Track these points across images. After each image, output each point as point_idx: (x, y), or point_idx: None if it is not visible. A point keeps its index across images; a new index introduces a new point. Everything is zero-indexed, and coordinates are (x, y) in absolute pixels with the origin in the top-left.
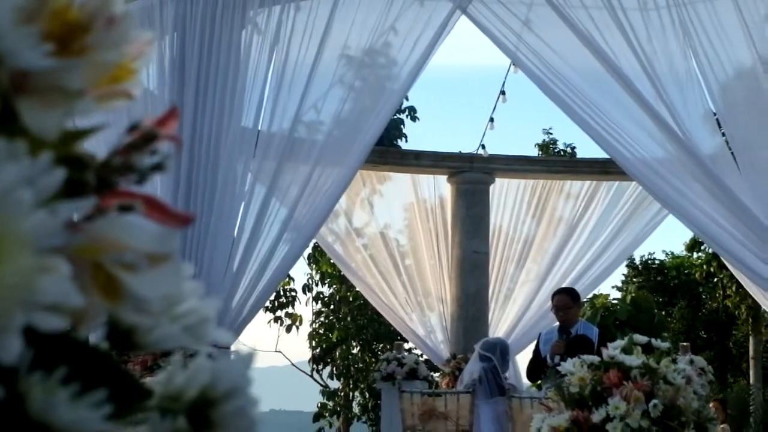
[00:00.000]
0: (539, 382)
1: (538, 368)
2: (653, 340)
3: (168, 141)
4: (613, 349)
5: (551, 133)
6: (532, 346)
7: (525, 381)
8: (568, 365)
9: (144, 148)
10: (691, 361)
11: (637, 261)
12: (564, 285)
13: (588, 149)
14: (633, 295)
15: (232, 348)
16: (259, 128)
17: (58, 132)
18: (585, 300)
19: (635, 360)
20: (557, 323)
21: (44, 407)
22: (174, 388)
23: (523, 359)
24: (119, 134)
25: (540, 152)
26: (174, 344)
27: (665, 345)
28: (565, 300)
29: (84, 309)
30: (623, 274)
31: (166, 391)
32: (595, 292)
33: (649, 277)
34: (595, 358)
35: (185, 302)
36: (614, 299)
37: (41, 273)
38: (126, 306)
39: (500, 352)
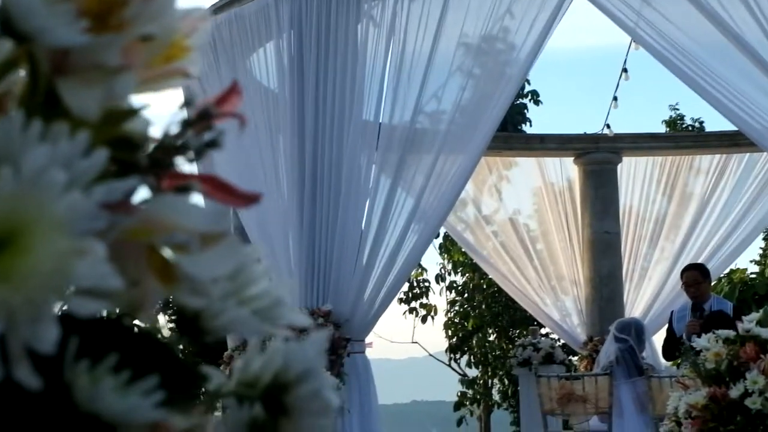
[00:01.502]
0: (677, 360)
1: (673, 346)
2: None
3: (229, 118)
4: (748, 323)
5: (678, 109)
6: (666, 327)
7: (662, 361)
8: (703, 341)
9: (199, 126)
10: None
11: None
12: (699, 261)
13: (716, 123)
14: None
15: (366, 340)
16: (381, 121)
17: (101, 112)
18: (722, 275)
19: None
20: (689, 300)
21: (92, 396)
22: (250, 374)
23: (659, 339)
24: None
25: (667, 129)
26: (245, 328)
27: None
28: (696, 276)
29: (141, 292)
30: (760, 248)
31: (243, 377)
32: (732, 267)
33: None
34: (731, 333)
35: (255, 284)
36: (752, 273)
37: (76, 257)
38: (182, 289)
39: (635, 332)
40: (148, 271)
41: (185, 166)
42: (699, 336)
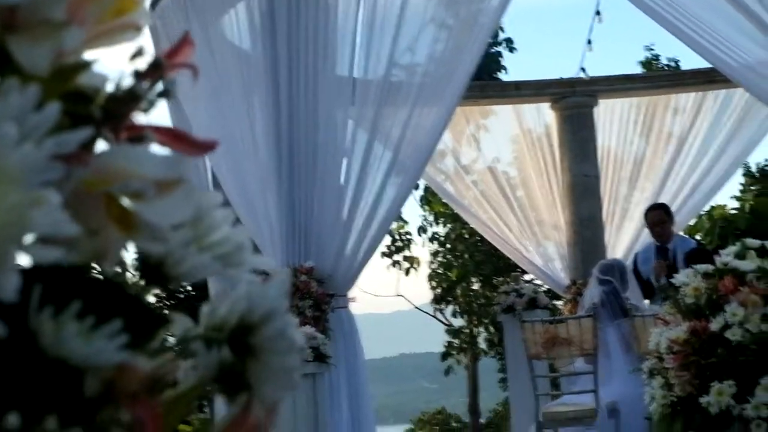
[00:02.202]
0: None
1: (640, 288)
2: (767, 243)
3: (181, 68)
4: (726, 256)
5: (653, 49)
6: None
7: (646, 300)
8: (682, 277)
9: (150, 77)
10: None
11: (754, 168)
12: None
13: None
14: (752, 203)
15: (349, 294)
16: (355, 75)
17: (52, 67)
18: (703, 212)
19: (749, 264)
20: (652, 241)
21: (57, 342)
22: (217, 318)
23: None
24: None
25: (643, 69)
26: (207, 274)
27: None
28: (660, 215)
29: (103, 241)
30: (740, 183)
31: (210, 322)
32: (712, 203)
33: (767, 183)
34: (709, 267)
35: (217, 231)
36: (732, 209)
37: (31, 207)
38: (142, 236)
39: (619, 272)
40: (108, 220)
41: (141, 117)
42: (668, 278)
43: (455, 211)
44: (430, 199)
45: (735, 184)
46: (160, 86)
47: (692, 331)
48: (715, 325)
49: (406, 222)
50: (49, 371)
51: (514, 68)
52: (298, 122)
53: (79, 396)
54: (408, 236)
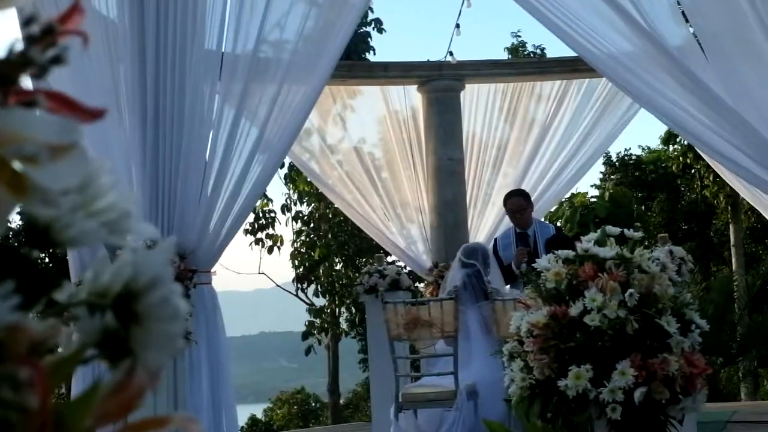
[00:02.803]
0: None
1: (502, 274)
2: (626, 231)
3: (72, 35)
4: (587, 242)
5: (520, 36)
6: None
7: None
8: (543, 262)
9: (43, 42)
10: (671, 252)
11: (614, 158)
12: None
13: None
14: (611, 191)
15: (212, 270)
16: (223, 50)
17: None
18: (564, 199)
19: (609, 251)
20: (511, 226)
21: None
22: (101, 284)
23: None
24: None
25: (510, 55)
26: (93, 240)
27: (638, 235)
28: (520, 202)
29: None
30: (600, 172)
31: (93, 288)
32: (573, 191)
33: (626, 173)
34: (570, 253)
35: (103, 198)
36: (593, 197)
37: None
38: (34, 200)
39: (482, 256)
40: None
41: (29, 82)
42: (529, 264)
43: (320, 191)
44: (294, 177)
45: (595, 172)
46: (51, 52)
47: (552, 316)
48: (574, 310)
49: (270, 200)
50: None
51: (383, 49)
52: (164, 95)
53: None
54: (272, 214)
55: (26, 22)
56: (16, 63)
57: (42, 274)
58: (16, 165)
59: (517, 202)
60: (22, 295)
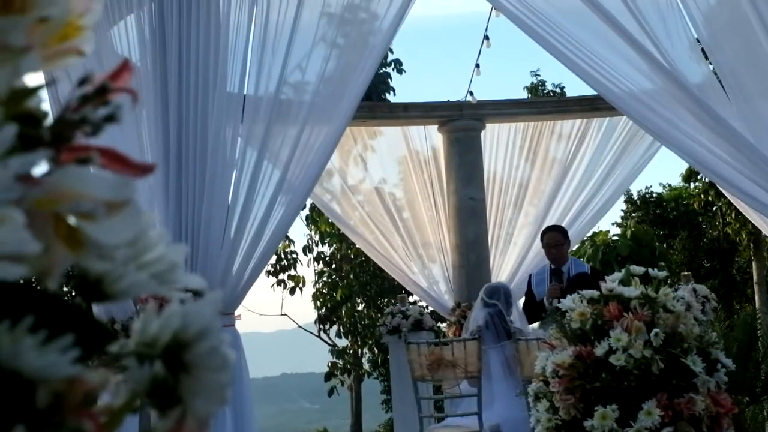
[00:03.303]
0: (537, 324)
1: (533, 309)
2: (651, 270)
3: (122, 92)
4: (611, 282)
5: (539, 75)
6: (525, 291)
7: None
8: (568, 302)
9: (96, 101)
10: (694, 290)
11: (635, 195)
12: (563, 224)
13: (577, 88)
14: (633, 229)
15: (235, 313)
16: (245, 92)
17: (8, 90)
18: (586, 238)
19: (634, 291)
20: (547, 262)
21: (12, 355)
22: (149, 334)
23: None
24: (70, 90)
25: (529, 95)
26: (143, 291)
27: (663, 274)
28: (557, 237)
29: (49, 259)
30: (622, 210)
31: (142, 338)
32: (595, 229)
33: (648, 210)
34: (594, 293)
35: (153, 250)
36: (614, 235)
37: None
38: (89, 254)
39: (504, 296)
40: (55, 239)
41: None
42: (560, 300)
43: (341, 231)
44: (316, 218)
45: (617, 210)
46: (103, 110)
47: (577, 356)
48: (599, 350)
49: (292, 241)
50: (5, 384)
51: (403, 90)
52: (187, 138)
53: (31, 408)
54: (294, 255)
55: (81, 81)
56: (72, 122)
57: (99, 326)
58: (72, 220)
59: (555, 237)
60: (80, 348)
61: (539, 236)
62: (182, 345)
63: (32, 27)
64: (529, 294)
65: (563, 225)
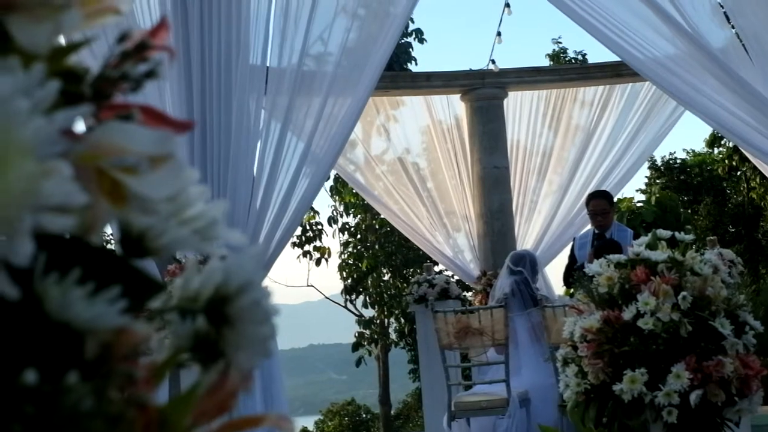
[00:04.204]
0: (572, 290)
1: (573, 273)
2: (677, 234)
3: (160, 50)
4: (638, 246)
5: (561, 42)
6: (560, 257)
7: (556, 291)
8: (595, 266)
9: (136, 58)
10: (720, 254)
11: (659, 162)
12: (587, 192)
13: (599, 54)
14: (657, 195)
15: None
16: (268, 64)
17: (50, 46)
18: None
19: (661, 255)
20: (590, 227)
21: (62, 306)
22: (191, 290)
23: (551, 270)
24: (110, 47)
25: (551, 62)
26: (185, 247)
27: (689, 237)
28: (603, 204)
29: (92, 213)
30: (646, 176)
31: (184, 293)
32: (619, 196)
33: (672, 176)
34: (621, 257)
35: (193, 206)
36: (639, 202)
37: (45, 177)
38: (132, 208)
39: (530, 263)
40: (99, 193)
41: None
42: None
43: (366, 202)
44: (340, 189)
45: (641, 177)
46: (144, 66)
47: (605, 320)
48: (627, 314)
49: (316, 212)
50: (54, 334)
51: (424, 59)
52: (211, 111)
53: (80, 357)
54: (319, 226)
55: (120, 38)
56: (112, 78)
57: (145, 279)
58: (115, 174)
59: (600, 205)
60: (128, 299)
61: (584, 201)
62: (224, 299)
63: None
64: (571, 257)
65: (587, 193)
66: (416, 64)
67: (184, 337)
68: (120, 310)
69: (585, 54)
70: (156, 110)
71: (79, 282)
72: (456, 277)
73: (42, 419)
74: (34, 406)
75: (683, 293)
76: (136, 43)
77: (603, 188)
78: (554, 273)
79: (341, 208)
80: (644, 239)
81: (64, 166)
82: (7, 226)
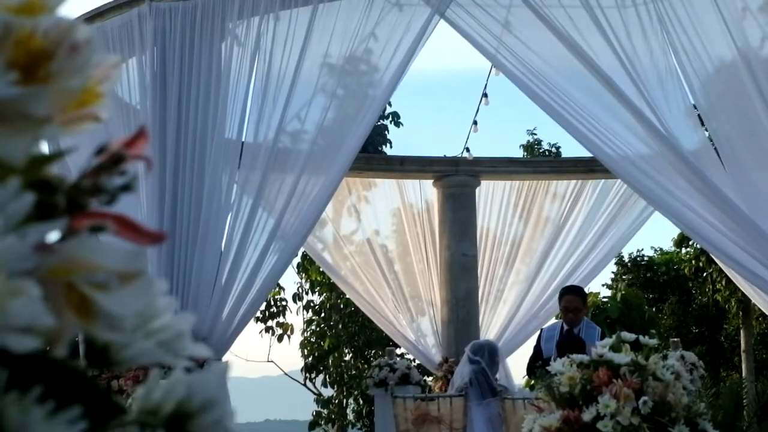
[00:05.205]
0: (532, 382)
1: (537, 366)
2: (641, 337)
3: (137, 161)
4: (601, 348)
5: (535, 134)
6: (525, 347)
7: (516, 382)
8: (557, 365)
9: (112, 170)
10: (682, 357)
11: (626, 258)
12: (554, 284)
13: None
14: (623, 292)
15: (223, 359)
16: (244, 139)
17: (26, 158)
18: None
19: (624, 358)
20: (558, 320)
21: (21, 425)
22: (152, 402)
23: (514, 361)
24: (88, 157)
25: (525, 153)
26: (150, 359)
27: (653, 342)
28: (576, 301)
29: (58, 328)
30: (612, 272)
31: (144, 405)
32: (585, 290)
33: (638, 273)
34: (585, 357)
35: (160, 318)
36: (604, 297)
37: (12, 296)
38: (99, 324)
39: (488, 354)
40: (66, 308)
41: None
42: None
43: (332, 281)
44: (307, 266)
45: (607, 272)
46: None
47: (565, 420)
48: (587, 415)
49: (282, 288)
50: None
51: (399, 142)
52: (183, 182)
53: None
54: (283, 302)
55: (98, 150)
56: (87, 190)
57: (107, 400)
58: (84, 289)
59: (574, 301)
60: (89, 420)
61: (557, 297)
62: (186, 415)
63: (54, 95)
64: (536, 348)
65: (554, 286)
66: (391, 146)
67: None
68: None
69: (559, 147)
70: (129, 221)
71: (40, 400)
72: (417, 362)
73: None
74: None
75: (644, 398)
76: (113, 154)
77: (570, 282)
78: (517, 363)
79: (307, 286)
80: (608, 341)
81: (33, 287)
82: None
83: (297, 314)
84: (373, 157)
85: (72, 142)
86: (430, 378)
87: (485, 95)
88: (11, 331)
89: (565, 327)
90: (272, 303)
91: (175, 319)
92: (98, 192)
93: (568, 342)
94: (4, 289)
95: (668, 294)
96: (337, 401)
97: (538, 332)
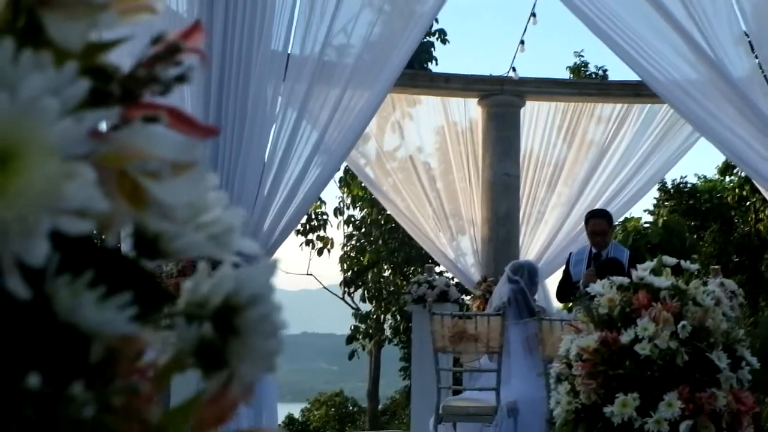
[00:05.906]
0: (569, 304)
1: (568, 290)
2: (683, 262)
3: (192, 53)
4: (642, 271)
5: (582, 56)
6: (563, 269)
7: (555, 304)
8: (597, 287)
9: (168, 60)
10: (722, 284)
11: (669, 184)
12: (595, 208)
13: (620, 72)
14: (665, 218)
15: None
16: (289, 51)
17: (83, 44)
18: (617, 224)
19: (664, 281)
20: (588, 244)
21: (71, 309)
22: (200, 295)
23: (553, 282)
24: (143, 47)
25: (571, 75)
26: (199, 252)
27: (694, 267)
28: (603, 224)
29: (110, 215)
30: (655, 198)
31: (192, 298)
32: (627, 215)
33: (681, 200)
34: (625, 280)
35: (210, 211)
36: (646, 223)
37: (67, 179)
38: (151, 213)
39: (528, 274)
40: (119, 195)
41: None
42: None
43: (373, 196)
44: (349, 181)
45: (649, 198)
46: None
47: (603, 342)
48: (625, 337)
49: (323, 202)
50: (60, 336)
51: (445, 59)
52: (228, 93)
53: (84, 361)
54: (324, 216)
55: (154, 40)
56: (142, 79)
57: (157, 287)
58: (137, 177)
59: (600, 224)
60: (138, 306)
61: (583, 220)
62: (233, 309)
63: None
64: (565, 273)
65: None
66: (436, 63)
67: (189, 342)
68: (129, 317)
69: (606, 70)
70: (183, 113)
71: (91, 285)
72: (456, 280)
73: (41, 423)
74: (34, 410)
75: (683, 322)
76: (169, 45)
77: (611, 207)
78: (555, 285)
79: (348, 201)
80: (649, 264)
81: (88, 170)
82: (24, 225)
83: (338, 228)
84: (418, 74)
85: (124, 33)
86: (468, 296)
87: (533, 15)
88: (65, 214)
89: (593, 250)
90: (313, 216)
91: (225, 213)
92: (153, 81)
93: (607, 265)
94: (59, 171)
95: (710, 222)
96: (374, 316)
97: (568, 256)
